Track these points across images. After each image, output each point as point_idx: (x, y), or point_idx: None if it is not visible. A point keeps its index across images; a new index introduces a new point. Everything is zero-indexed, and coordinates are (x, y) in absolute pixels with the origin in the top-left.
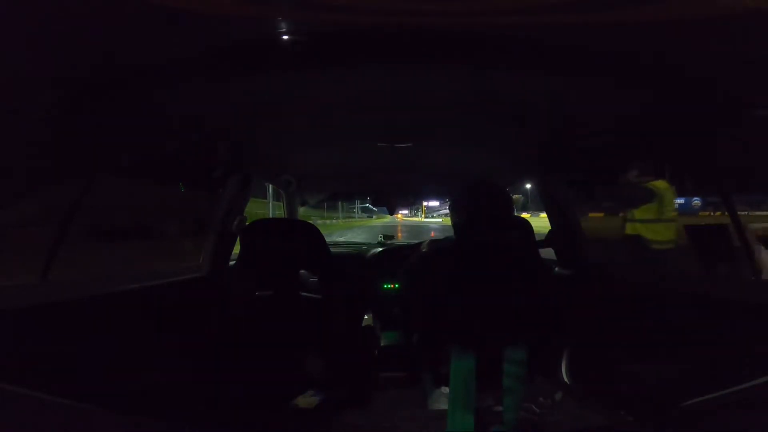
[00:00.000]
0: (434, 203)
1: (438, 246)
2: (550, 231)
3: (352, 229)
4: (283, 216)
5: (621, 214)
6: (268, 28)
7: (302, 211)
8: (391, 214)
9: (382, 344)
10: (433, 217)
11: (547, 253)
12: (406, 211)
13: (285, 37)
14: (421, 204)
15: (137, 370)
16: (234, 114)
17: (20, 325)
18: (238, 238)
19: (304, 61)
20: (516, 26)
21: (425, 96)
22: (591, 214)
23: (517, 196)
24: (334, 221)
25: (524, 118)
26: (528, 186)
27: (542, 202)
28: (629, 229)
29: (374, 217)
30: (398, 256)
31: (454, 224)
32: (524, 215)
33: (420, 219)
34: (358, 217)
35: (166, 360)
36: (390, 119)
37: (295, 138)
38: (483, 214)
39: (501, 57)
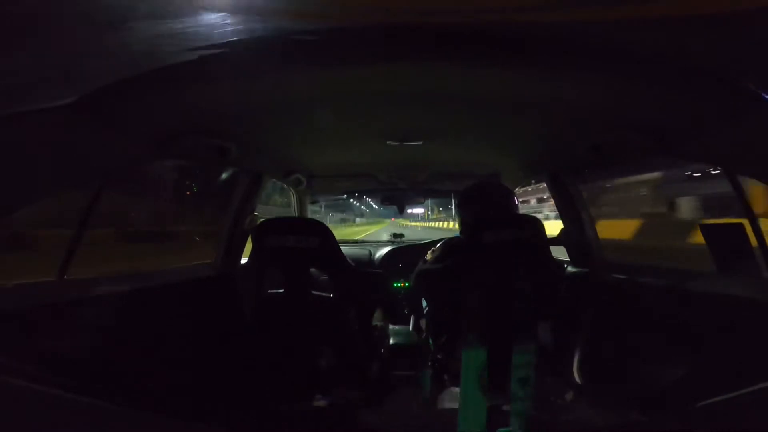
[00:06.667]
0: None
1: (448, 245)
2: (561, 229)
3: None
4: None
5: None
6: (278, 27)
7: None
8: (401, 212)
9: (392, 343)
10: None
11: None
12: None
13: (295, 36)
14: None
15: (147, 368)
16: (245, 113)
17: (36, 323)
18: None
19: (315, 59)
20: (528, 23)
21: (435, 94)
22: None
23: None
24: None
25: (535, 115)
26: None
27: (554, 200)
28: None
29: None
30: (408, 254)
31: (462, 223)
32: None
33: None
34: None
35: (176, 358)
36: (400, 118)
37: (306, 136)
38: (490, 213)
39: (512, 54)
